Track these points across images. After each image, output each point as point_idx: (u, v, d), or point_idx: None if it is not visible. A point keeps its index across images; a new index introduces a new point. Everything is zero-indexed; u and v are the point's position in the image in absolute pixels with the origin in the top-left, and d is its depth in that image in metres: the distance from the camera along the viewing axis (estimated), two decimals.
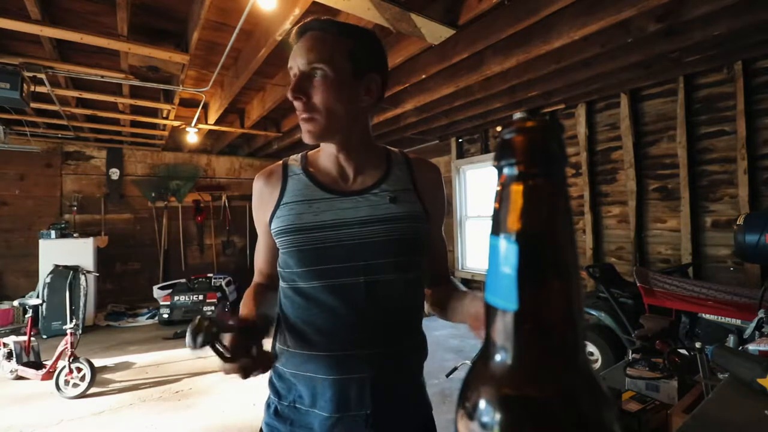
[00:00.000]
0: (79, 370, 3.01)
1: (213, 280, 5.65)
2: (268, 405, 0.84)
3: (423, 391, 0.87)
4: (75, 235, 5.20)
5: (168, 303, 5.12)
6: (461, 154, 5.93)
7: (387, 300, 0.77)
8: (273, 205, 0.82)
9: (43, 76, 3.09)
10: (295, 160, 0.88)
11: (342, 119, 0.77)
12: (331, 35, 0.75)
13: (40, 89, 3.32)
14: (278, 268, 0.84)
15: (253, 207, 0.88)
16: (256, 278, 0.92)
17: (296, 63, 0.75)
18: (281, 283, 0.84)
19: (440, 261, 0.93)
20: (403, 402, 0.80)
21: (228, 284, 5.75)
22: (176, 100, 3.87)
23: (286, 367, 0.80)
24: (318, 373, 0.76)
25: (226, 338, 0.62)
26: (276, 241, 0.81)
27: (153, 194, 6.30)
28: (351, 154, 0.82)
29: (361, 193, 0.80)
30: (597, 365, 2.86)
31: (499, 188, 0.23)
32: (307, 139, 0.78)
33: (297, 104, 0.76)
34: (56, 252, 4.79)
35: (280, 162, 0.89)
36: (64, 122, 4.64)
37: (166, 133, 5.31)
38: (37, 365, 3.32)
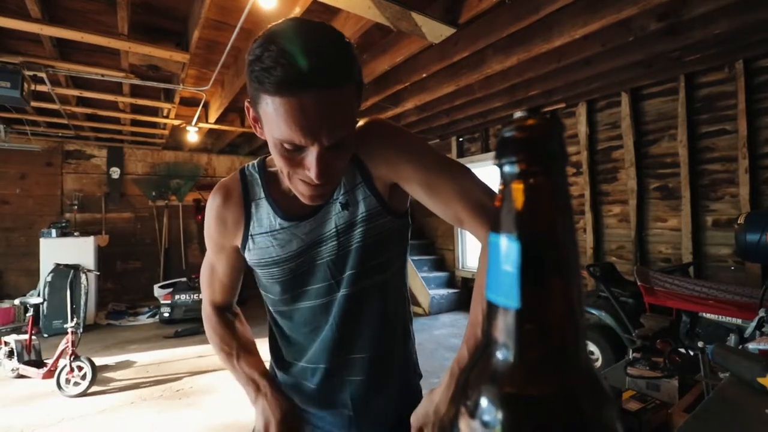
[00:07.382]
0: (80, 368, 3.02)
1: None
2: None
3: (411, 388, 0.90)
4: (76, 233, 5.21)
5: (169, 302, 5.13)
6: (461, 153, 5.93)
7: (368, 307, 0.78)
8: (240, 234, 0.77)
9: (43, 74, 3.09)
10: (254, 175, 0.78)
11: None
12: (342, 86, 0.55)
13: (40, 88, 3.33)
14: (261, 292, 0.84)
15: (212, 229, 0.78)
16: (214, 306, 0.87)
17: (315, 137, 0.55)
18: (268, 306, 0.85)
19: (457, 201, 0.74)
20: (387, 403, 0.84)
21: None
22: (177, 99, 3.88)
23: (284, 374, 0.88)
24: (308, 382, 0.83)
25: None
26: (254, 270, 0.81)
27: (153, 193, 6.30)
28: None
29: (316, 211, 0.74)
30: (597, 364, 2.86)
31: (499, 187, 0.23)
32: (311, 202, 0.67)
33: (319, 182, 0.60)
34: (57, 251, 4.79)
35: (237, 178, 0.79)
36: (64, 121, 4.65)
37: (166, 132, 5.31)
38: (38, 364, 3.32)
